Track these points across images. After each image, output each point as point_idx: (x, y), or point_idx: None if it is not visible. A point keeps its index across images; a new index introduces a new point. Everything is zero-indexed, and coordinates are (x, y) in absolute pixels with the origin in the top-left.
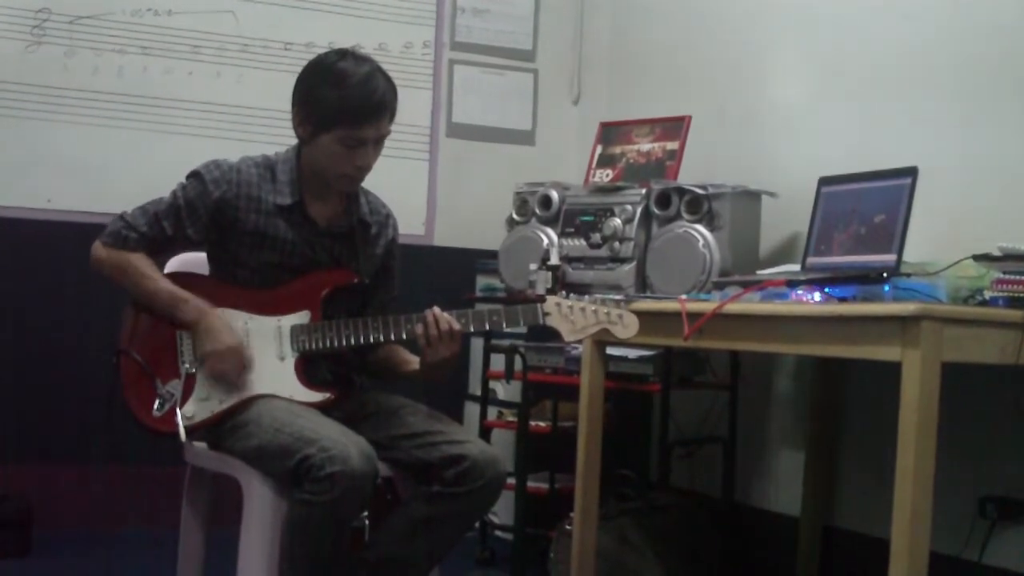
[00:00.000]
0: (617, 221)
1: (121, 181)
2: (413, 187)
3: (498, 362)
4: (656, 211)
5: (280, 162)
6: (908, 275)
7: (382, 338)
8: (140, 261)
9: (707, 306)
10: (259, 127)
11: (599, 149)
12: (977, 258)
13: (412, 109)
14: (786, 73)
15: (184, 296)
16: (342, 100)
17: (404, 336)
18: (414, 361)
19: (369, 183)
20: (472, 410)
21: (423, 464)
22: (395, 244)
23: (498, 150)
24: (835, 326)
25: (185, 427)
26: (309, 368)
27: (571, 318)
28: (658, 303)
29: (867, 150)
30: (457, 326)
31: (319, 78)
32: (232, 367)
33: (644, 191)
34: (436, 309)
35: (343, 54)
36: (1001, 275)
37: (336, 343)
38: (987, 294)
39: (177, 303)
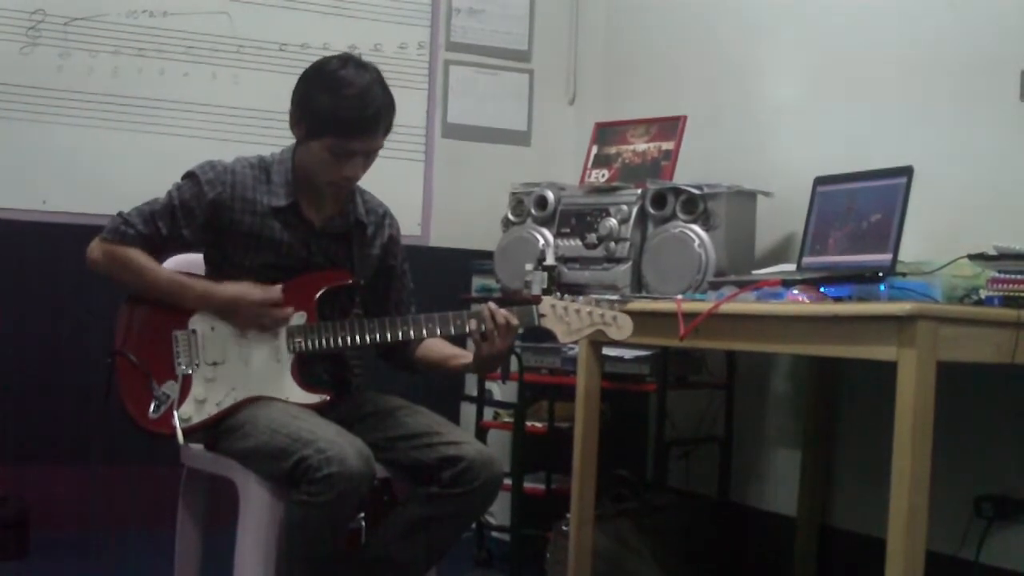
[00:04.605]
0: (613, 221)
1: (116, 182)
2: (409, 187)
3: None
4: (652, 211)
5: (275, 163)
6: (904, 274)
7: (379, 338)
8: (138, 255)
9: (703, 306)
10: (254, 128)
11: (595, 149)
12: (973, 257)
13: (407, 110)
14: (781, 73)
15: (186, 282)
16: (335, 110)
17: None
18: (462, 355)
19: (365, 183)
20: (468, 411)
21: (420, 465)
22: (394, 242)
23: (494, 150)
24: (831, 326)
25: (182, 429)
26: (305, 369)
27: (566, 319)
28: (654, 303)
29: (863, 149)
30: (515, 321)
31: (317, 83)
32: (271, 315)
33: (640, 191)
34: (492, 304)
35: (345, 60)
36: (997, 274)
37: (332, 344)
38: (983, 293)
39: (179, 289)
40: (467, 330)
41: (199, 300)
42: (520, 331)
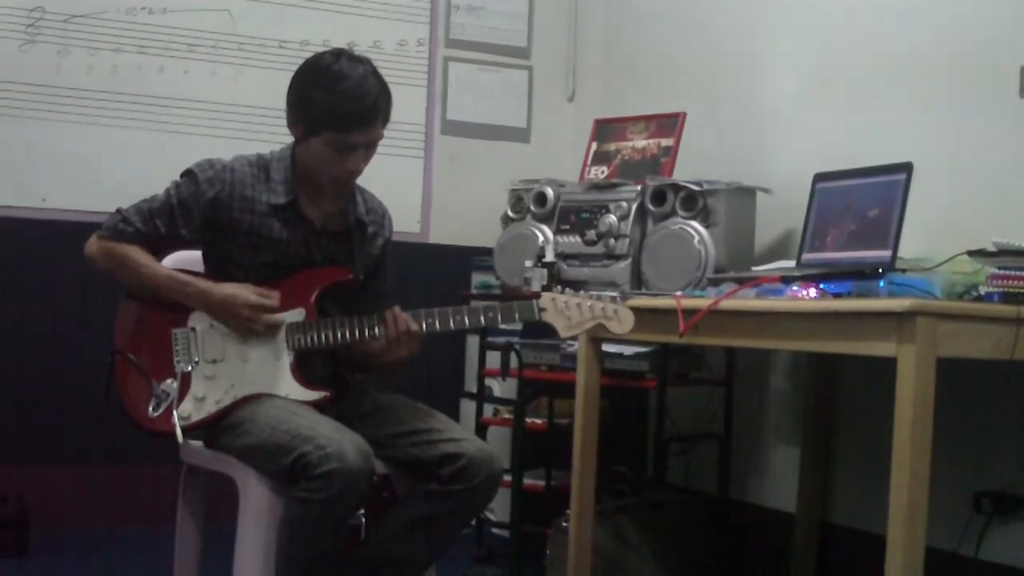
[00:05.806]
0: (612, 218)
1: (116, 180)
2: (408, 185)
3: (494, 359)
4: (651, 208)
5: (275, 160)
6: (903, 271)
7: (377, 334)
8: (136, 252)
9: (702, 302)
10: (255, 125)
11: (594, 146)
12: (972, 254)
13: (407, 107)
14: (781, 69)
15: (184, 279)
16: (332, 105)
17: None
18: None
19: (364, 181)
20: (468, 407)
21: (419, 462)
22: (389, 242)
23: (493, 147)
24: (830, 322)
25: (181, 427)
26: (305, 366)
27: (567, 313)
28: (653, 300)
29: (862, 146)
30: (415, 327)
31: (312, 80)
32: (263, 321)
33: (639, 188)
34: (396, 309)
35: (338, 55)
36: (996, 270)
37: (331, 340)
38: (982, 289)
39: (178, 286)
40: (376, 335)
41: (197, 296)
42: (522, 326)
